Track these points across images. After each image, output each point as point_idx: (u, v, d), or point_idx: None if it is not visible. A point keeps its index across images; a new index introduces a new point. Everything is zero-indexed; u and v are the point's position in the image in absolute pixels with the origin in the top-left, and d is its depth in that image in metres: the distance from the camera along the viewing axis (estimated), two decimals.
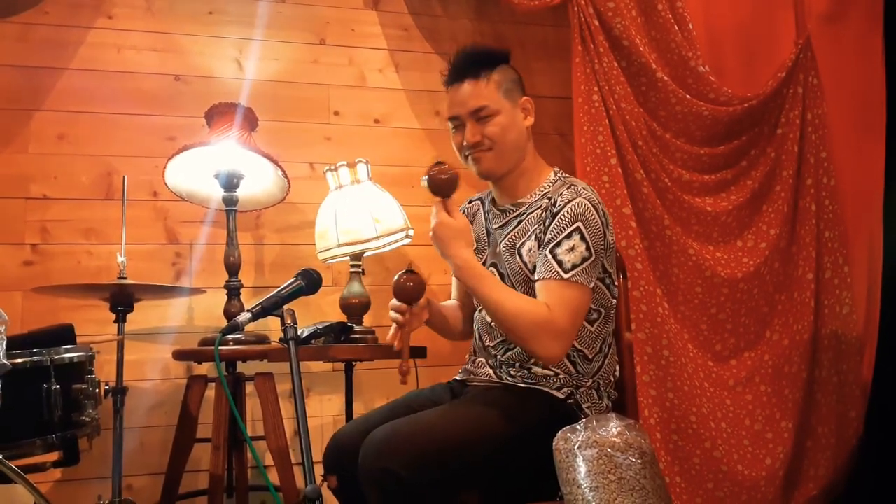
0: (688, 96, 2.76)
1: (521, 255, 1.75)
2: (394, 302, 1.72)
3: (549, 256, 1.64)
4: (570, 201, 1.68)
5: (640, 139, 2.73)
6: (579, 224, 1.65)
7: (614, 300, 1.79)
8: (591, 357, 1.74)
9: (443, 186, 1.71)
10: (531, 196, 1.80)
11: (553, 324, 1.58)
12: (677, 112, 2.77)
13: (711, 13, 2.92)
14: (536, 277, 1.66)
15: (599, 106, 2.70)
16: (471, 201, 2.01)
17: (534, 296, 1.67)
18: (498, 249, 1.82)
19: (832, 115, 2.88)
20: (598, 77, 2.72)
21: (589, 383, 1.73)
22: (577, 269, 1.62)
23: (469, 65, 1.77)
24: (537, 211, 1.75)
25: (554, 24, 2.93)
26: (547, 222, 1.69)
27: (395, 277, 1.71)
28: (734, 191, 2.85)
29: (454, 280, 2.04)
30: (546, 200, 1.74)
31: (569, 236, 1.64)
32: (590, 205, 1.67)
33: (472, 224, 1.92)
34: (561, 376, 1.71)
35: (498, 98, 1.76)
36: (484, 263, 1.84)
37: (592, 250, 1.64)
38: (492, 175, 1.81)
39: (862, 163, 2.90)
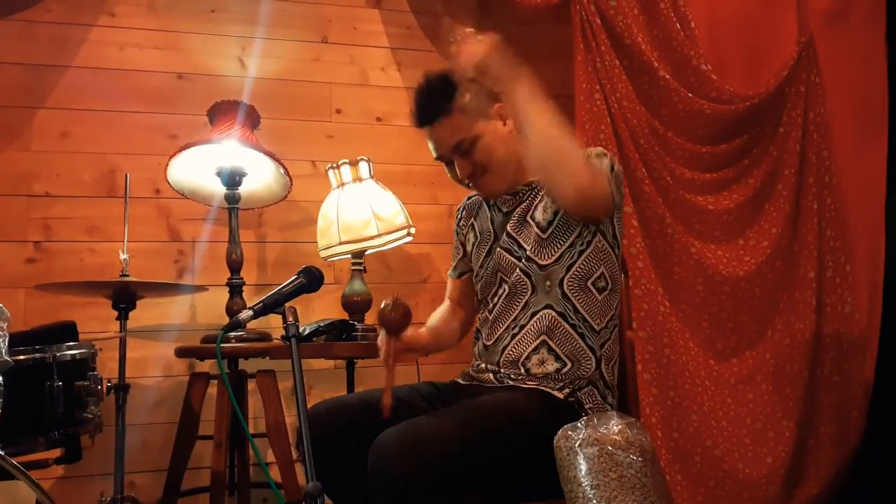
0: (690, 94, 2.76)
1: (533, 218, 1.76)
2: (381, 334, 1.73)
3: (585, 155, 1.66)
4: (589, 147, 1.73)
5: (641, 137, 2.73)
6: (602, 150, 1.72)
7: (620, 274, 1.80)
8: (598, 329, 1.74)
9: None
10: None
11: (597, 171, 1.62)
12: (679, 110, 2.77)
13: (713, 11, 2.91)
14: None
15: (601, 104, 2.70)
16: (469, 198, 2.00)
17: (546, 257, 1.72)
18: (503, 231, 1.82)
19: (834, 114, 2.88)
20: (599, 75, 2.72)
21: (592, 366, 1.72)
22: (610, 161, 1.68)
23: (429, 107, 1.76)
24: None
25: (556, 22, 2.93)
26: None
27: (381, 306, 1.70)
28: (736, 189, 2.85)
29: (450, 280, 2.03)
30: None
31: (599, 156, 1.70)
32: (612, 155, 1.73)
33: (477, 217, 1.93)
34: (564, 370, 1.71)
35: (470, 125, 1.74)
36: (490, 253, 1.84)
37: (616, 171, 1.69)
38: (499, 194, 1.83)
39: (864, 161, 2.89)
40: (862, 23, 2.97)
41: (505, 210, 1.86)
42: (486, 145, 1.74)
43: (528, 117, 1.59)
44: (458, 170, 1.78)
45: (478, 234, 1.91)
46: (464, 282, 1.99)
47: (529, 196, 1.81)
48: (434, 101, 1.75)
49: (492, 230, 1.87)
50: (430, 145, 1.81)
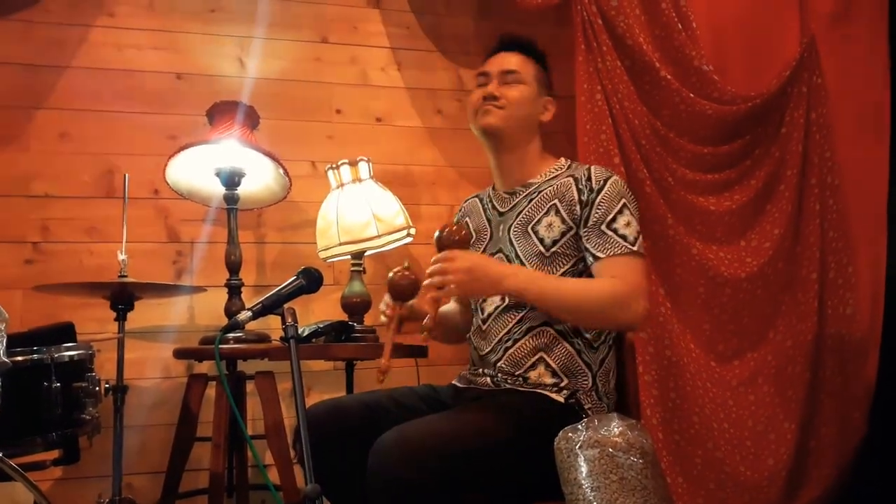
0: (691, 95, 2.75)
1: (536, 233, 1.75)
2: (386, 298, 1.75)
3: (611, 232, 1.69)
4: (607, 179, 1.75)
5: (643, 138, 2.72)
6: (624, 200, 1.73)
7: None
8: (596, 345, 1.75)
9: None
10: (540, 177, 1.84)
11: (630, 288, 1.65)
12: (681, 111, 2.76)
13: (715, 12, 2.90)
14: (600, 254, 1.68)
15: (602, 105, 2.70)
16: (467, 200, 2.03)
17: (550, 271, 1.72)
18: (501, 234, 1.82)
19: (837, 115, 2.87)
20: (601, 76, 2.71)
21: (589, 382, 1.71)
22: (639, 241, 1.71)
23: (524, 44, 1.90)
24: (550, 189, 1.78)
25: (557, 22, 2.92)
26: (584, 197, 1.73)
27: (390, 274, 1.74)
28: (738, 190, 2.84)
29: None
30: (568, 179, 1.78)
31: (621, 212, 1.71)
32: (625, 183, 1.78)
33: (470, 218, 1.95)
34: (563, 383, 1.70)
35: (532, 77, 1.87)
36: (484, 251, 1.85)
37: (638, 224, 1.73)
38: (491, 130, 1.84)
39: (866, 162, 2.88)
40: (864, 23, 2.96)
41: (501, 209, 1.86)
42: (524, 93, 1.84)
43: (537, 302, 1.68)
44: (490, 86, 1.83)
45: (473, 231, 1.91)
46: None
47: (528, 198, 1.81)
48: (529, 45, 1.91)
49: (488, 229, 1.88)
50: (487, 63, 1.90)
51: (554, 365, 1.71)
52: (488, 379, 1.76)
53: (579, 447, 1.47)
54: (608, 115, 2.69)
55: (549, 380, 1.71)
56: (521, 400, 1.67)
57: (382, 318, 1.76)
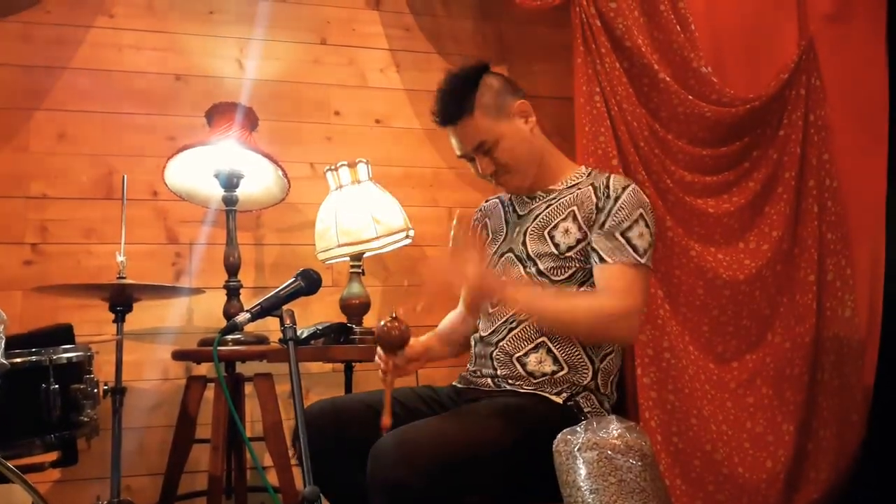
0: (690, 97, 2.75)
1: (552, 237, 1.75)
2: (378, 350, 1.74)
3: (623, 240, 1.68)
4: (626, 187, 1.74)
5: (641, 140, 2.72)
6: (641, 211, 1.72)
7: None
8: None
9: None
10: (561, 184, 1.83)
11: (626, 304, 1.64)
12: (679, 113, 2.76)
13: (714, 14, 2.90)
14: (609, 260, 1.68)
15: (601, 107, 2.69)
16: (488, 200, 2.02)
17: (560, 273, 1.72)
18: (515, 235, 1.82)
19: (835, 117, 2.87)
20: (599, 78, 2.71)
21: (588, 377, 1.71)
22: (648, 254, 1.69)
23: (451, 106, 1.76)
24: (570, 196, 1.78)
25: (556, 24, 2.93)
26: (601, 204, 1.72)
27: (380, 324, 1.70)
28: (736, 192, 2.84)
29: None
30: (588, 188, 1.77)
31: (636, 222, 1.70)
32: (644, 194, 1.76)
33: (490, 219, 1.95)
34: (560, 374, 1.69)
35: (491, 125, 1.74)
36: (496, 252, 1.85)
37: (653, 237, 1.71)
38: (522, 190, 1.84)
39: (865, 164, 2.88)
40: (862, 25, 2.96)
41: (521, 212, 1.86)
42: (509, 147, 1.76)
43: (532, 313, 1.68)
44: (480, 166, 1.79)
45: (490, 232, 1.91)
46: None
47: (547, 203, 1.81)
48: (456, 101, 1.75)
49: (505, 230, 1.88)
50: (454, 143, 1.82)
51: (556, 351, 1.70)
52: (488, 380, 1.76)
53: (578, 449, 1.47)
54: (607, 117, 2.69)
55: (548, 367, 1.70)
56: (520, 402, 1.67)
57: (379, 374, 1.74)
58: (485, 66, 1.81)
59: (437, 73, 2.99)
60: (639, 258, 1.67)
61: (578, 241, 1.72)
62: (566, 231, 1.74)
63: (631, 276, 1.67)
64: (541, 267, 1.73)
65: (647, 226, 1.70)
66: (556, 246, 1.74)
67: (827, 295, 2.79)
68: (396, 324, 1.68)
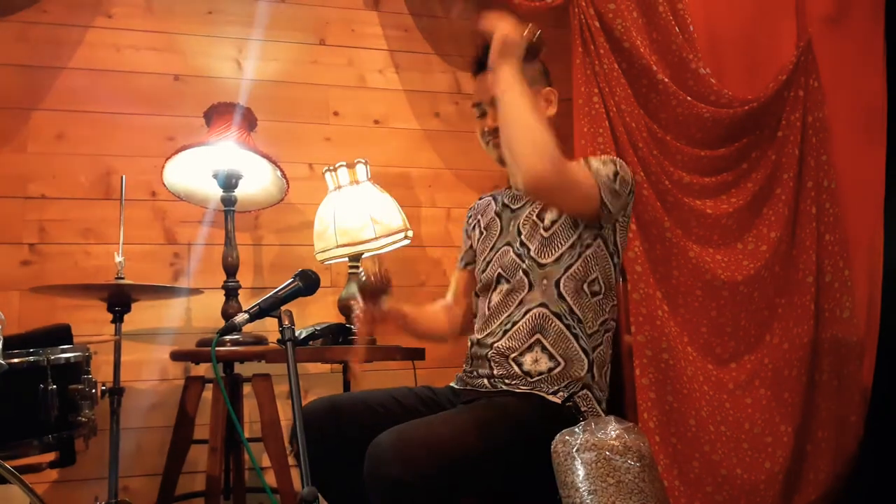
0: (688, 98, 2.75)
1: (542, 220, 1.79)
2: (358, 299, 1.79)
3: (583, 160, 1.71)
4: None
5: (640, 141, 2.72)
6: (612, 160, 1.74)
7: (615, 281, 1.82)
8: (590, 333, 1.75)
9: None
10: None
11: (563, 163, 1.60)
12: (678, 114, 2.76)
13: (712, 15, 2.91)
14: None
15: (599, 107, 2.70)
16: (481, 198, 2.05)
17: (547, 256, 1.74)
18: (511, 228, 1.85)
19: (833, 118, 2.87)
20: (598, 78, 2.71)
21: (584, 369, 1.71)
22: (596, 168, 1.68)
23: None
24: None
25: (554, 25, 2.92)
26: None
27: (361, 275, 1.78)
28: (734, 193, 2.84)
29: (456, 271, 2.06)
30: None
31: (605, 163, 1.72)
32: (624, 163, 1.76)
33: (482, 216, 1.98)
34: (556, 370, 1.70)
35: None
36: (494, 247, 1.87)
37: (619, 182, 1.70)
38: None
39: (863, 165, 2.89)
40: (861, 27, 2.97)
41: (513, 207, 1.88)
42: None
43: (507, 94, 1.63)
44: (489, 119, 1.81)
45: (483, 229, 1.94)
46: (469, 272, 2.01)
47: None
48: None
49: (499, 225, 1.90)
50: (474, 91, 1.88)
51: (551, 348, 1.71)
52: (485, 380, 1.77)
53: (576, 450, 1.47)
54: (605, 118, 2.70)
55: (544, 365, 1.71)
56: (517, 402, 1.67)
57: (355, 323, 1.79)
58: (536, 49, 1.82)
59: (435, 74, 3.03)
60: (582, 161, 1.71)
61: (561, 214, 1.77)
62: (552, 210, 1.79)
63: (578, 166, 1.69)
64: (532, 252, 1.77)
65: (611, 163, 1.72)
66: (543, 225, 1.78)
67: (825, 296, 2.79)
68: (378, 276, 1.75)
